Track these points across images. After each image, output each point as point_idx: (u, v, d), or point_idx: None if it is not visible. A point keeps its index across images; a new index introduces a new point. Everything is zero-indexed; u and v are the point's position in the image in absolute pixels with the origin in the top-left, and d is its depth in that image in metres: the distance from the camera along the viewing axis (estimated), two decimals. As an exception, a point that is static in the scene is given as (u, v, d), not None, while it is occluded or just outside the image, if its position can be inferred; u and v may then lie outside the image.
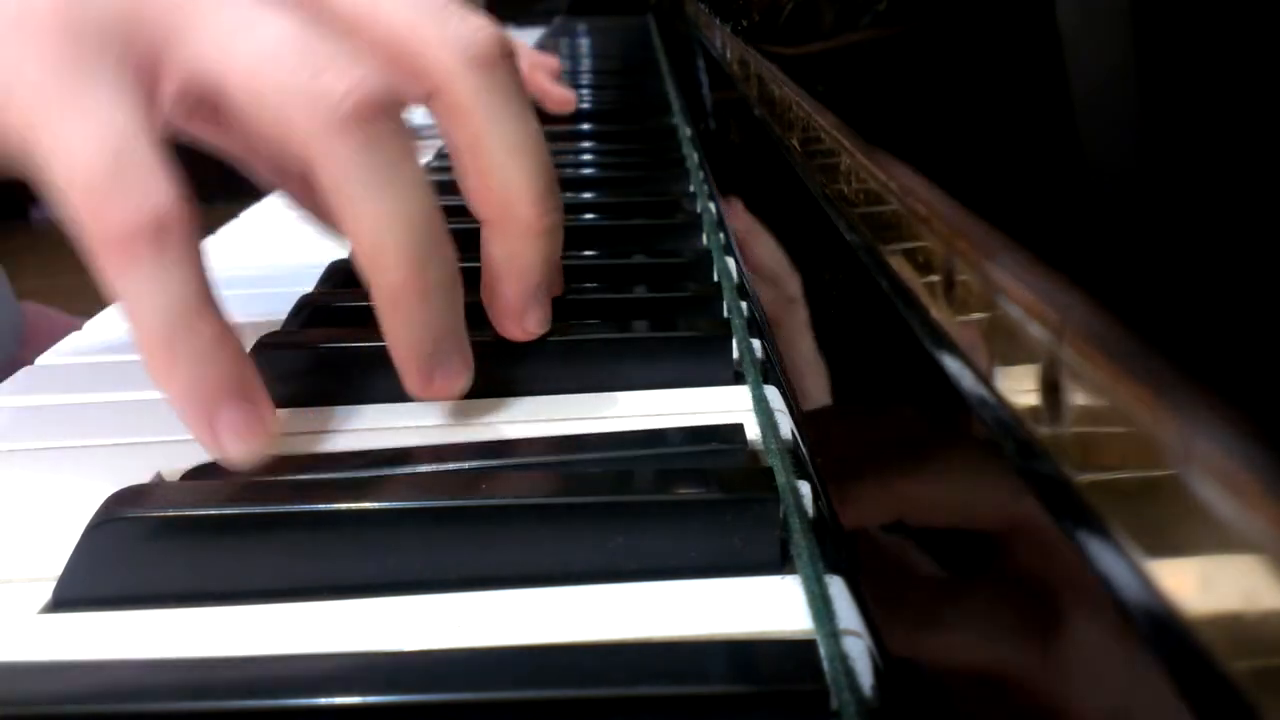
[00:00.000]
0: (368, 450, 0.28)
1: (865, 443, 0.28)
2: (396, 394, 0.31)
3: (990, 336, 0.19)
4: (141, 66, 0.26)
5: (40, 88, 0.25)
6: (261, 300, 0.41)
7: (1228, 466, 0.12)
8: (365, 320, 0.38)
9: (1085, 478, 0.15)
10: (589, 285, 0.40)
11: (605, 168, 0.64)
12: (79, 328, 0.40)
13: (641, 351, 0.33)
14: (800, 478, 0.25)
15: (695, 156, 0.63)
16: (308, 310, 0.37)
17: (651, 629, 0.21)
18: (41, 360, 0.37)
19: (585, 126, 0.77)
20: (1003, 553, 0.20)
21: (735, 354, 0.33)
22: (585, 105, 0.87)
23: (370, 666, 0.20)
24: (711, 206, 0.52)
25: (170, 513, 0.23)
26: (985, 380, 0.19)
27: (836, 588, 0.21)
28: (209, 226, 0.54)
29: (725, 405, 0.31)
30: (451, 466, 0.27)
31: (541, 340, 0.33)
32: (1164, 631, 0.13)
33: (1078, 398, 0.16)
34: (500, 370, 0.32)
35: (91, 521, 0.23)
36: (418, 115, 0.65)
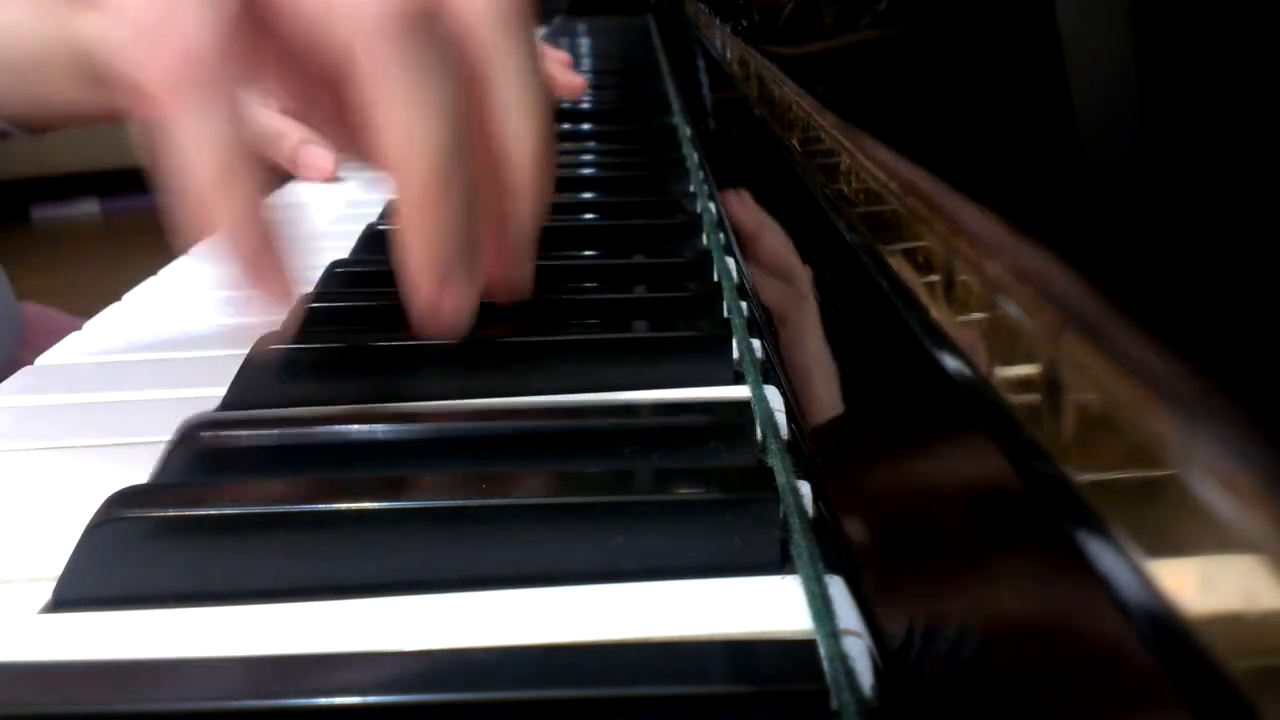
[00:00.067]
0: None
1: (865, 442, 0.28)
2: (396, 394, 0.31)
3: (990, 336, 0.19)
4: None
5: None
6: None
7: (1228, 466, 0.12)
8: (364, 320, 0.38)
9: (1085, 478, 0.15)
10: (589, 285, 0.40)
11: (605, 168, 0.63)
12: (79, 328, 0.40)
13: (641, 352, 0.33)
14: (800, 477, 0.25)
15: (695, 156, 0.63)
16: (307, 310, 0.37)
17: (651, 629, 0.21)
18: (41, 360, 0.37)
19: (585, 126, 0.77)
20: (1002, 552, 0.20)
21: (735, 354, 0.33)
22: (585, 105, 0.87)
23: (370, 666, 0.20)
24: (711, 206, 0.52)
25: (170, 513, 0.23)
26: (985, 380, 0.19)
27: (836, 588, 0.21)
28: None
29: (725, 405, 0.31)
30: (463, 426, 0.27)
31: (542, 340, 0.33)
32: (1164, 631, 0.13)
33: (1078, 398, 0.16)
34: (500, 370, 0.32)
35: (91, 521, 0.23)
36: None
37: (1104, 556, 0.15)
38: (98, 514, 0.23)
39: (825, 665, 0.19)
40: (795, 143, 0.40)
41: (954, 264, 0.21)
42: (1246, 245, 0.12)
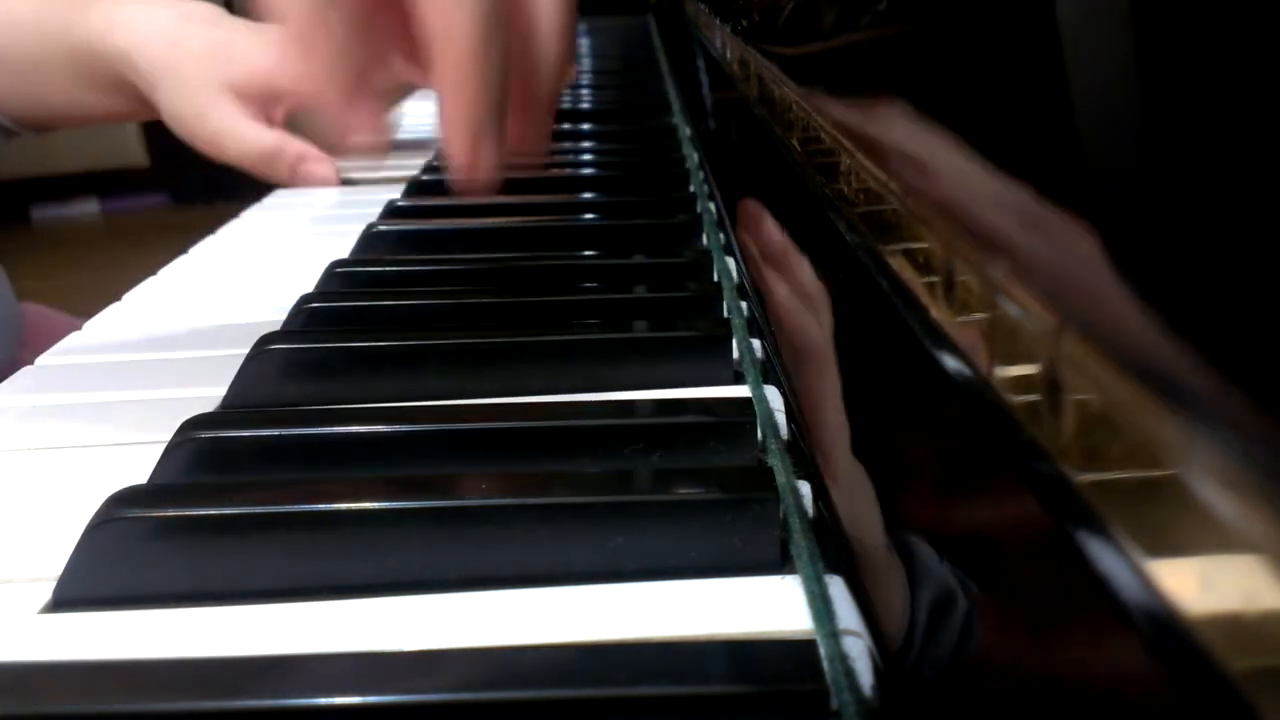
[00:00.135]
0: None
1: (865, 443, 0.28)
2: (396, 394, 0.31)
3: (990, 336, 0.19)
4: None
5: None
6: (261, 300, 0.41)
7: (1228, 466, 0.12)
8: (363, 320, 0.38)
9: (1085, 478, 0.15)
10: (589, 285, 0.40)
11: (605, 168, 0.63)
12: (79, 328, 0.40)
13: (641, 352, 0.33)
14: (800, 477, 0.25)
15: (695, 156, 0.63)
16: (307, 310, 0.37)
17: (651, 629, 0.21)
18: (41, 360, 0.37)
19: (585, 126, 0.77)
20: (1002, 552, 0.20)
21: (735, 354, 0.33)
22: (585, 105, 0.87)
23: (370, 666, 0.20)
24: (711, 206, 0.52)
25: (170, 513, 0.23)
26: (985, 380, 0.19)
27: (836, 588, 0.21)
28: (209, 226, 0.54)
29: (725, 405, 0.31)
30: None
31: (542, 340, 0.33)
32: (1164, 631, 0.13)
33: (1078, 398, 0.16)
34: (500, 370, 0.32)
35: (91, 521, 0.23)
36: (421, 126, 0.64)
37: (1104, 556, 0.15)
38: (98, 514, 0.23)
39: (825, 665, 0.19)
40: (795, 143, 0.40)
41: (954, 264, 0.21)
42: (1246, 245, 0.12)
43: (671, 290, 0.39)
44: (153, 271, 0.46)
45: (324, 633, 0.21)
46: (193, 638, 0.21)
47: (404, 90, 0.89)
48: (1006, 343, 0.18)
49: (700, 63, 0.87)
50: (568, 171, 0.63)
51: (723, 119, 0.70)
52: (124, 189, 3.04)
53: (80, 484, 0.28)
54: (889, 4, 0.29)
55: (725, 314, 0.37)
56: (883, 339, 0.28)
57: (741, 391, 0.31)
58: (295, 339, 0.34)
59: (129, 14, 0.59)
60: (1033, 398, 0.17)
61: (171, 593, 0.22)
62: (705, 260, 0.42)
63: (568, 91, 0.76)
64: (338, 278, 0.42)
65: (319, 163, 0.63)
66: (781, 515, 0.23)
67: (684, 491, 0.24)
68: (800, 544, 0.23)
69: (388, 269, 0.44)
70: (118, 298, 0.43)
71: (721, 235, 0.46)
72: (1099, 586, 0.15)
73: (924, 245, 0.23)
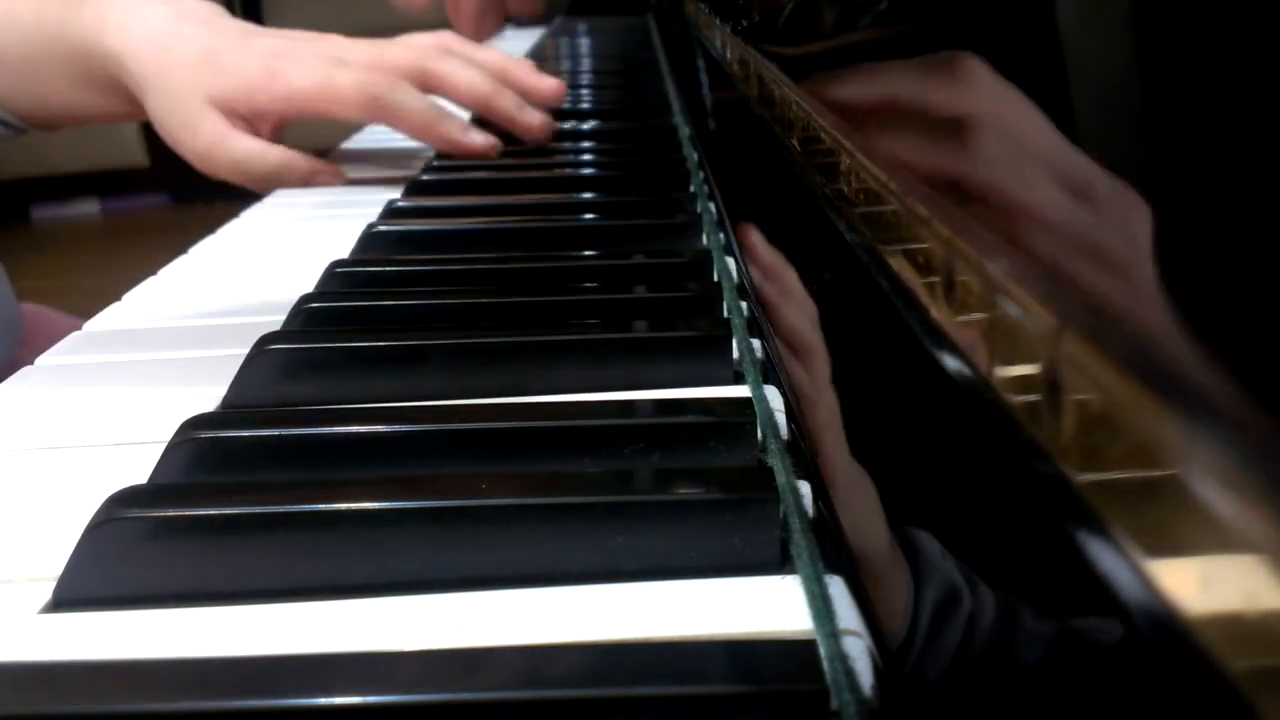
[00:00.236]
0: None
1: (865, 443, 0.28)
2: (396, 394, 0.31)
3: (990, 336, 0.19)
4: None
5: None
6: (261, 300, 0.41)
7: (1228, 466, 0.12)
8: (363, 320, 0.38)
9: (1085, 478, 0.15)
10: (589, 285, 0.40)
11: (605, 167, 0.63)
12: (79, 328, 0.40)
13: (641, 352, 0.33)
14: (800, 477, 0.25)
15: (695, 156, 0.63)
16: (307, 310, 0.37)
17: (651, 629, 0.21)
18: (41, 360, 0.37)
19: (585, 126, 0.77)
20: (1002, 553, 0.20)
21: (735, 354, 0.33)
22: (585, 105, 0.87)
23: (370, 666, 0.20)
24: (711, 206, 0.52)
25: (170, 513, 0.23)
26: (985, 380, 0.19)
27: (836, 588, 0.21)
28: (209, 226, 0.54)
29: (725, 405, 0.30)
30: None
31: (541, 340, 0.33)
32: (1164, 631, 0.13)
33: (1078, 398, 0.16)
34: (500, 370, 0.32)
35: (91, 521, 0.23)
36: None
37: (1104, 556, 0.15)
38: (98, 514, 0.23)
39: (825, 665, 0.19)
40: (795, 143, 0.40)
41: (954, 264, 0.21)
42: (1246, 245, 0.12)
43: (671, 290, 0.39)
44: (153, 271, 0.46)
45: (324, 633, 0.21)
46: (193, 638, 0.21)
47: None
48: (1006, 343, 0.18)
49: (700, 63, 0.87)
50: (568, 171, 0.63)
51: (723, 119, 0.70)
52: (124, 189, 3.04)
53: (80, 484, 0.28)
54: (889, 4, 0.29)
55: (725, 314, 0.36)
56: (883, 339, 0.28)
57: (741, 391, 0.31)
58: (295, 339, 0.34)
59: (121, 13, 0.58)
60: (1033, 398, 0.17)
61: (171, 593, 0.22)
62: (705, 260, 0.42)
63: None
64: (338, 278, 0.42)
65: (328, 175, 0.62)
66: (781, 515, 0.23)
67: (684, 491, 0.24)
68: (800, 544, 0.23)
69: (388, 269, 0.44)
70: (118, 298, 0.43)
71: (721, 235, 0.46)
72: (1099, 586, 0.15)
73: (924, 245, 0.23)
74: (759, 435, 0.27)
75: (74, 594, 0.23)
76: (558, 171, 0.63)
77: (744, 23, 0.57)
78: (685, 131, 0.71)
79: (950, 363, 0.21)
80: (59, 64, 0.59)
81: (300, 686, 0.19)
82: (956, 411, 0.22)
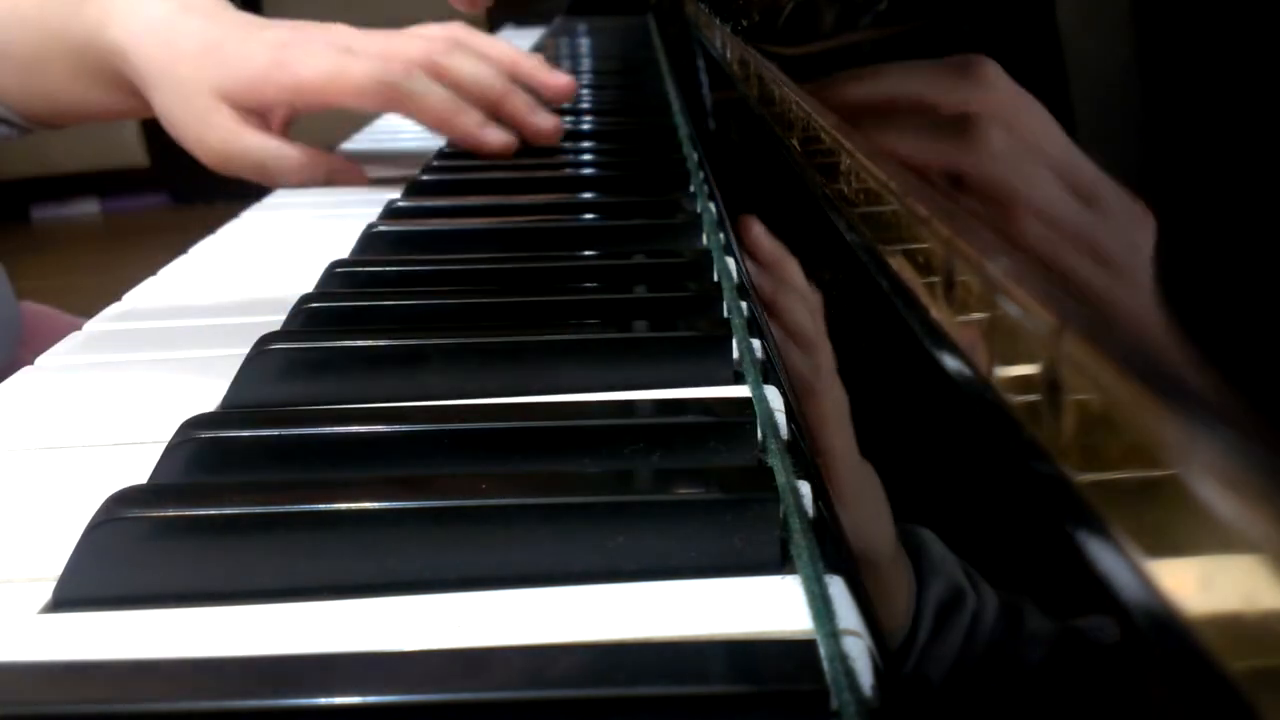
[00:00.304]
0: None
1: (865, 442, 0.28)
2: (396, 394, 0.31)
3: (990, 336, 0.19)
4: None
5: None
6: (261, 300, 0.41)
7: (1228, 466, 0.12)
8: (363, 320, 0.38)
9: (1085, 478, 0.15)
10: (589, 285, 0.40)
11: (606, 167, 0.63)
12: (79, 328, 0.40)
13: (641, 352, 0.33)
14: (800, 477, 0.25)
15: (695, 156, 0.63)
16: (307, 310, 0.37)
17: (651, 629, 0.21)
18: (41, 360, 0.37)
19: (585, 126, 0.77)
20: (1001, 553, 0.20)
21: (735, 354, 0.33)
22: (585, 105, 0.87)
23: (371, 666, 0.20)
24: (711, 206, 0.52)
25: (170, 513, 0.23)
26: (985, 380, 0.19)
27: (836, 588, 0.21)
28: (209, 226, 0.54)
29: (725, 405, 0.30)
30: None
31: (541, 340, 0.33)
32: (1164, 631, 0.13)
33: (1078, 398, 0.16)
34: (500, 370, 0.32)
35: (91, 521, 0.23)
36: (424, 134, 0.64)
37: (1104, 556, 0.15)
38: (98, 514, 0.23)
39: (825, 665, 0.19)
40: (795, 143, 0.40)
41: (954, 264, 0.21)
42: (1246, 245, 0.12)
43: (671, 290, 0.39)
44: (153, 271, 0.46)
45: (324, 633, 0.21)
46: (193, 638, 0.21)
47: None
48: (1006, 343, 0.18)
49: (700, 63, 0.87)
50: (568, 171, 0.63)
51: (723, 119, 0.70)
52: (124, 189, 3.05)
53: (80, 484, 0.28)
54: (889, 4, 0.29)
55: (725, 314, 0.36)
56: (883, 339, 0.28)
57: (741, 391, 0.31)
58: (295, 339, 0.34)
59: (124, 7, 0.57)
60: (1033, 398, 0.17)
61: (171, 593, 0.22)
62: (705, 260, 0.42)
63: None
64: (338, 278, 0.42)
65: (348, 173, 0.62)
66: (781, 515, 0.23)
67: (684, 491, 0.24)
68: (800, 544, 0.23)
69: (387, 269, 0.44)
70: (118, 298, 0.43)
71: (721, 235, 0.46)
72: (1099, 586, 0.15)
73: (924, 245, 0.23)
74: (759, 435, 0.27)
75: (74, 594, 0.23)
76: (558, 171, 0.63)
77: (744, 23, 0.57)
78: (685, 131, 0.71)
79: (950, 363, 0.21)
80: (63, 60, 0.59)
81: (301, 687, 0.19)
82: (956, 412, 0.22)
